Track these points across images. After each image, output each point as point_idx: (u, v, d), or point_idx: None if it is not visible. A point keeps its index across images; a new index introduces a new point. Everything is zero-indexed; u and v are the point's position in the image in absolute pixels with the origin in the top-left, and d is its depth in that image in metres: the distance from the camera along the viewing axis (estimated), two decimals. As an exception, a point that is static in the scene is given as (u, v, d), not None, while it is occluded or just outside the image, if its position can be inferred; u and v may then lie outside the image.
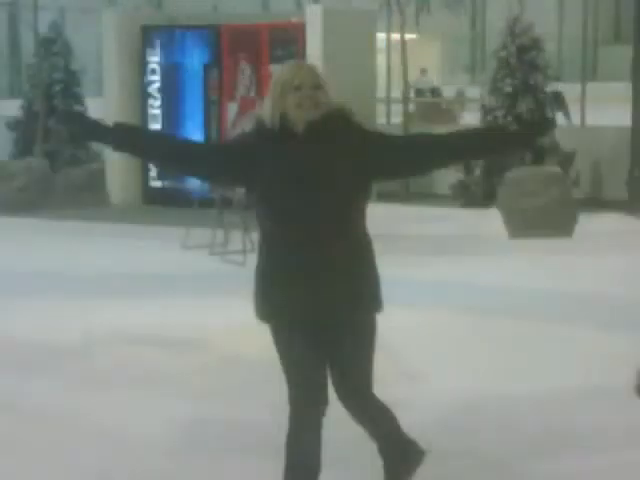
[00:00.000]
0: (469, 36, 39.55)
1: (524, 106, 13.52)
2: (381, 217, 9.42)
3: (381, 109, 16.03)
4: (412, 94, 23.10)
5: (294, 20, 14.04)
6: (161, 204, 14.18)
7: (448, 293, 8.73)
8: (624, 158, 13.37)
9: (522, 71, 13.68)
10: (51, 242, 11.75)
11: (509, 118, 13.50)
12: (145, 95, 14.65)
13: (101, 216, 13.65)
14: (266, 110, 4.16)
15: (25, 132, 15.65)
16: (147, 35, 14.58)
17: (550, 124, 10.36)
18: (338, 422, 4.46)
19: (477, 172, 13.58)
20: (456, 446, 5.32)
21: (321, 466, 4.34)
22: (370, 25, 14.21)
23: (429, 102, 24.77)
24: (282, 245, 4.16)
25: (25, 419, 5.92)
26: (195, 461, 5.27)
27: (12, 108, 16.51)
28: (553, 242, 10.88)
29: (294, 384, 4.24)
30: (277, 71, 4.21)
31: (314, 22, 13.31)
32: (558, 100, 13.78)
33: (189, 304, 8.41)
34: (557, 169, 12.30)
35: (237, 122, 13.95)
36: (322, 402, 4.27)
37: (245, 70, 14.01)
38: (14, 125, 15.93)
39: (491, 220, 11.73)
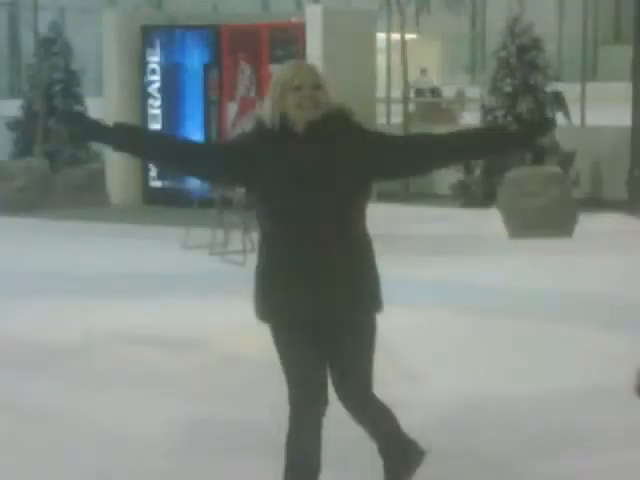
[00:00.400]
0: (469, 36, 39.55)
1: (524, 106, 13.52)
2: (381, 217, 9.42)
3: (381, 109, 16.03)
4: (412, 94, 23.10)
5: (294, 20, 14.04)
6: (161, 204, 14.18)
7: (448, 293, 8.73)
8: (624, 158, 13.37)
9: (522, 71, 13.68)
10: (51, 242, 11.75)
11: (509, 118, 13.50)
12: (145, 95, 14.65)
13: (101, 216, 13.65)
14: (266, 110, 4.16)
15: (25, 132, 15.65)
16: (147, 35, 14.59)
17: (550, 124, 10.37)
18: (338, 422, 4.46)
19: (477, 172, 13.58)
20: (456, 446, 5.32)
21: (321, 466, 4.34)
22: (370, 25, 14.21)
23: (429, 102, 24.77)
24: (282, 245, 4.16)
25: (25, 419, 5.92)
26: (195, 461, 5.27)
27: (12, 108, 16.51)
28: (553, 242, 10.87)
29: (294, 384, 4.25)
30: (277, 71, 4.21)
31: (314, 22, 13.31)
32: (558, 100, 13.78)
33: (189, 304, 8.41)
34: (557, 169, 12.31)
35: (237, 122, 13.95)
36: (322, 402, 4.27)
37: (245, 70, 14.02)
38: (14, 125, 15.93)
39: (491, 220, 11.73)
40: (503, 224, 11.47)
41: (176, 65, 14.46)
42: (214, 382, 6.42)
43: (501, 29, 14.11)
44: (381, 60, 15.70)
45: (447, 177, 13.26)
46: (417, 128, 14.73)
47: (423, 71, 27.69)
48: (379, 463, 4.58)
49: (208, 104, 14.24)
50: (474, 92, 20.99)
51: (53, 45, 15.72)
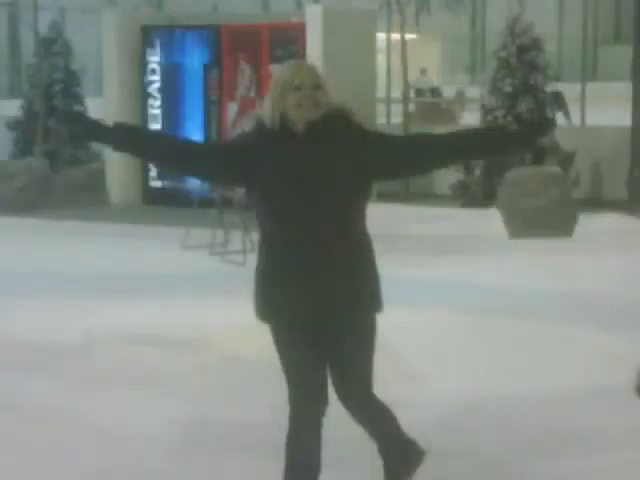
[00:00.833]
0: (469, 36, 39.54)
1: (524, 106, 13.53)
2: (381, 217, 9.42)
3: (381, 109, 16.03)
4: (412, 94, 23.10)
5: (294, 20, 14.04)
6: (161, 204, 14.18)
7: (448, 293, 8.73)
8: (624, 158, 13.37)
9: (522, 71, 13.68)
10: (51, 242, 11.75)
11: (509, 118, 13.50)
12: (145, 95, 14.65)
13: (101, 216, 13.65)
14: (266, 110, 4.16)
15: (25, 132, 15.65)
16: (147, 35, 14.59)
17: (550, 124, 10.37)
18: (338, 422, 4.46)
19: (477, 172, 13.58)
20: (456, 446, 5.32)
21: (321, 466, 4.34)
22: (370, 25, 14.21)
23: (429, 102, 24.77)
24: (282, 245, 4.16)
25: (25, 419, 5.92)
26: (195, 461, 5.27)
27: (12, 108, 16.51)
28: (553, 242, 10.87)
29: (294, 384, 4.25)
30: (277, 71, 4.21)
31: (314, 22, 13.31)
32: (558, 100, 13.78)
33: (189, 304, 8.41)
34: (557, 169, 12.30)
35: (237, 122, 13.95)
36: (322, 402, 4.27)
37: (245, 70, 14.02)
38: (14, 125, 15.93)
39: (491, 220, 11.73)
40: (503, 224, 11.47)
41: (176, 65, 14.46)
42: (214, 382, 6.42)
43: (501, 29, 14.11)
44: (381, 60, 15.70)
45: (447, 177, 13.26)
46: (417, 128, 14.73)
47: (423, 71, 27.69)
48: (379, 463, 4.58)
49: (208, 104, 14.24)
50: (474, 92, 20.99)
51: (53, 45, 15.72)
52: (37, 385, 6.46)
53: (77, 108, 15.33)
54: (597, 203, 13.31)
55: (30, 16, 17.23)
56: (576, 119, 14.50)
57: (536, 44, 13.82)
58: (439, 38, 37.34)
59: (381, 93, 16.03)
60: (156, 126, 14.37)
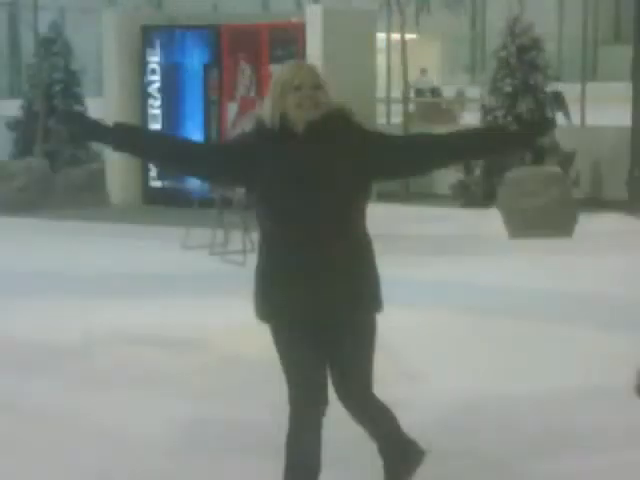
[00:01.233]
0: (469, 36, 39.54)
1: (524, 106, 13.52)
2: (381, 217, 9.42)
3: (381, 109, 16.03)
4: (412, 94, 23.10)
5: (294, 20, 14.04)
6: (161, 204, 14.18)
7: (448, 293, 8.73)
8: (624, 158, 13.37)
9: (522, 71, 13.68)
10: (51, 242, 11.75)
11: (509, 118, 13.50)
12: (145, 95, 14.65)
13: (101, 216, 13.65)
14: (266, 110, 4.16)
15: (25, 132, 15.65)
16: (147, 35, 14.59)
17: (550, 124, 10.40)
18: (338, 422, 4.46)
19: (477, 172, 13.58)
20: (456, 446, 5.32)
21: (321, 466, 4.34)
22: (370, 25, 14.21)
23: (429, 102, 24.77)
24: (282, 245, 4.16)
25: (25, 419, 5.92)
26: (195, 461, 5.27)
27: (12, 108, 16.51)
28: (553, 242, 10.87)
29: (294, 384, 4.25)
30: (277, 71, 4.21)
31: (314, 22, 13.31)
32: (558, 100, 13.78)
33: (189, 304, 8.41)
34: (557, 169, 12.30)
35: (237, 122, 13.95)
36: (322, 402, 4.27)
37: (245, 70, 14.02)
38: (14, 125, 15.93)
39: (491, 220, 11.73)
40: (503, 224, 11.47)
41: (176, 65, 14.46)
42: (214, 382, 6.42)
43: (501, 29, 14.11)
44: (381, 60, 15.69)
45: (447, 177, 13.26)
46: (417, 128, 14.73)
47: (423, 71, 27.69)
48: (379, 463, 4.58)
49: (208, 104, 14.24)
50: (474, 92, 20.99)
51: (53, 45, 15.72)
52: (37, 385, 6.46)
53: (77, 108, 15.33)
54: (597, 203, 13.31)
55: (30, 16, 17.23)
56: (576, 119, 14.50)
57: (536, 44, 13.82)
58: (439, 38, 37.33)
59: (381, 93, 16.02)
60: (156, 126, 14.37)
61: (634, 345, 6.45)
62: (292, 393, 4.26)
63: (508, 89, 13.65)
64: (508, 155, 12.22)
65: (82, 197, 14.52)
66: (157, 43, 14.52)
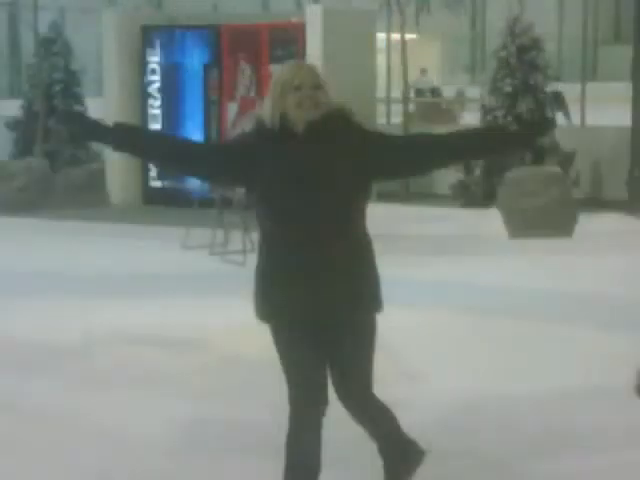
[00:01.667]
0: (469, 36, 39.54)
1: (524, 106, 13.53)
2: (381, 217, 9.42)
3: (381, 109, 16.03)
4: (412, 94, 23.09)
5: (294, 20, 14.05)
6: (161, 204, 14.18)
7: (448, 293, 8.73)
8: (624, 158, 13.37)
9: (522, 71, 13.68)
10: (51, 242, 11.76)
11: (509, 118, 13.50)
12: (145, 95, 14.65)
13: (101, 216, 13.65)
14: (266, 110, 4.16)
15: (25, 132, 15.65)
16: (147, 35, 14.59)
17: (550, 124, 10.40)
18: (338, 422, 4.46)
19: (477, 172, 13.58)
20: (456, 446, 5.32)
21: (321, 466, 4.34)
22: (370, 25, 14.21)
23: (429, 102, 24.77)
24: (282, 245, 4.16)
25: (25, 419, 5.92)
26: (195, 461, 5.27)
27: (12, 108, 16.51)
28: (553, 242, 10.88)
29: (294, 384, 4.25)
30: (277, 71, 4.21)
31: (314, 22, 13.31)
32: (558, 100, 13.78)
33: (189, 304, 8.41)
34: (557, 169, 12.31)
35: (237, 122, 13.95)
36: (322, 402, 4.27)
37: (245, 70, 14.02)
38: (14, 125, 15.93)
39: (491, 220, 11.73)
40: (503, 224, 11.47)
41: (176, 65, 14.46)
42: (214, 382, 6.42)
43: (501, 29, 14.11)
44: (381, 60, 15.69)
45: (447, 177, 13.26)
46: (417, 128, 14.73)
47: (423, 71, 27.68)
48: (379, 463, 4.58)
49: (208, 104, 14.24)
50: (474, 92, 20.99)
51: (53, 45, 15.72)
52: (37, 385, 6.46)
53: (77, 108, 15.33)
54: (597, 203, 13.31)
55: (30, 16, 17.22)
56: (576, 119, 14.50)
57: (536, 44, 13.82)
58: (439, 38, 37.33)
59: (381, 93, 16.02)
60: (156, 126, 14.37)
61: (634, 345, 6.45)
62: (292, 393, 4.26)
63: (508, 89, 13.65)
64: (508, 155, 12.22)
65: (82, 197, 14.52)
66: (157, 43, 14.53)
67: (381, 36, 15.85)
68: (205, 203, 11.36)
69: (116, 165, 14.46)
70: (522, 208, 11.35)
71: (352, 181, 4.13)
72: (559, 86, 14.03)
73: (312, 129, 4.12)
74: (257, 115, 4.25)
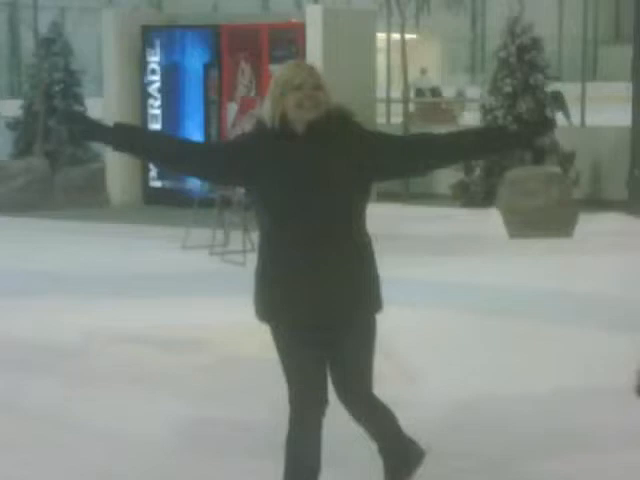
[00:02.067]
0: (469, 36, 39.52)
1: (524, 106, 13.53)
2: (381, 217, 9.42)
3: (381, 109, 16.03)
4: (412, 94, 23.08)
5: (294, 20, 14.05)
6: (161, 204, 14.19)
7: (448, 293, 8.72)
8: (624, 158, 13.38)
9: (522, 71, 13.68)
10: (51, 242, 11.75)
11: (509, 118, 13.50)
12: (145, 95, 14.65)
13: (101, 216, 13.66)
14: (266, 110, 4.16)
15: (25, 132, 15.65)
16: (147, 35, 14.59)
17: (550, 124, 10.37)
18: (338, 422, 4.46)
19: (477, 172, 13.58)
20: (456, 446, 5.32)
21: (321, 466, 4.34)
22: (370, 25, 14.22)
23: (429, 102, 24.77)
24: (282, 245, 4.16)
25: (25, 419, 5.91)
26: (195, 461, 5.27)
27: (12, 108, 16.51)
28: (553, 242, 10.87)
29: (294, 384, 4.25)
30: (277, 71, 4.21)
31: (314, 22, 13.31)
32: (558, 100, 13.78)
33: (189, 304, 8.41)
34: (557, 169, 12.31)
35: (237, 122, 13.96)
36: (322, 402, 4.27)
37: (245, 70, 14.02)
38: (14, 125, 15.93)
39: (491, 220, 11.74)
40: (503, 224, 11.47)
41: (176, 65, 14.46)
42: (214, 382, 6.42)
43: (501, 29, 14.11)
44: (381, 60, 15.69)
45: (447, 177, 13.26)
46: (417, 128, 14.73)
47: (423, 71, 27.68)
48: (379, 463, 4.58)
49: (208, 104, 14.24)
50: (474, 92, 20.98)
51: (53, 45, 15.71)
52: (37, 385, 6.46)
53: (77, 108, 15.32)
54: (597, 203, 13.32)
55: (30, 16, 17.21)
56: (576, 119, 14.50)
57: (536, 44, 13.81)
58: (439, 38, 37.31)
59: (381, 93, 16.02)
60: (156, 126, 14.38)
61: (634, 345, 6.44)
62: (292, 393, 4.26)
63: (508, 89, 13.65)
64: (507, 155, 12.23)
65: (82, 197, 14.53)
66: (157, 43, 14.53)
67: (381, 36, 15.85)
68: (205, 203, 11.36)
69: (116, 165, 14.46)
70: (522, 208, 11.35)
71: (352, 181, 4.13)
72: (559, 86, 14.03)
73: (312, 129, 4.12)
74: (257, 115, 4.25)
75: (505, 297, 8.54)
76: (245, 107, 13.89)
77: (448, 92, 26.78)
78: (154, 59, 14.53)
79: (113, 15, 15.11)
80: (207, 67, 14.23)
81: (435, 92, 27.41)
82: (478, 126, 12.72)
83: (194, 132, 13.94)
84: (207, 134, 14.17)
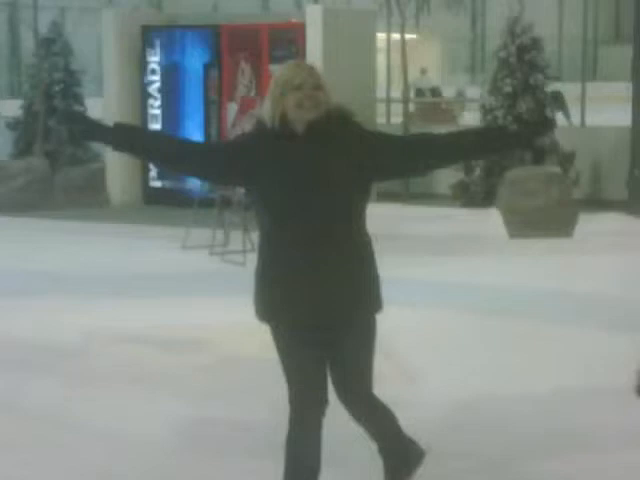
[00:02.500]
0: (469, 36, 39.52)
1: (524, 106, 13.53)
2: (381, 217, 9.42)
3: (381, 109, 16.03)
4: (412, 94, 23.08)
5: (294, 20, 14.05)
6: (161, 204, 14.19)
7: (448, 293, 8.72)
8: (624, 158, 13.38)
9: (522, 71, 13.68)
10: (51, 242, 11.75)
11: (509, 118, 13.50)
12: (145, 95, 14.65)
13: (101, 216, 13.66)
14: (266, 110, 4.16)
15: (25, 132, 15.65)
16: (147, 35, 14.59)
17: (550, 124, 10.37)
18: (338, 422, 4.46)
19: (477, 172, 13.58)
20: (456, 446, 5.32)
21: (321, 466, 4.34)
22: (370, 25, 14.22)
23: (429, 102, 24.77)
24: (282, 245, 4.16)
25: (25, 419, 5.91)
26: (195, 461, 5.27)
27: (12, 108, 16.51)
28: (553, 242, 10.87)
29: (294, 384, 4.25)
30: (277, 71, 4.21)
31: (314, 22, 13.31)
32: (558, 100, 13.78)
33: (189, 304, 8.41)
34: (557, 169, 12.31)
35: (237, 122, 13.96)
36: (322, 402, 4.27)
37: (245, 70, 14.02)
38: (14, 125, 15.93)
39: (491, 220, 11.74)
40: (503, 224, 11.47)
41: (176, 65, 14.46)
42: (214, 382, 6.42)
43: (501, 29, 14.11)
44: (381, 60, 15.69)
45: (447, 177, 13.26)
46: (417, 128, 14.73)
47: (423, 71, 27.68)
48: (379, 463, 4.58)
49: (208, 104, 14.24)
50: (474, 92, 20.98)
51: (53, 45, 15.71)
52: (37, 385, 6.46)
53: (77, 108, 15.33)
54: (597, 203, 13.32)
55: (30, 16, 17.21)
56: (576, 119, 14.50)
57: (536, 44, 13.82)
58: (439, 38, 37.30)
59: (381, 93, 16.02)
60: (156, 126, 14.38)
61: (634, 345, 6.44)
62: (292, 393, 4.26)
63: (508, 89, 13.65)
64: (507, 155, 12.23)
65: (82, 197, 14.53)
66: (157, 43, 14.53)
67: (381, 36, 15.84)
68: (205, 203, 11.36)
69: (116, 165, 14.46)
70: (522, 208, 11.35)
71: (352, 181, 4.13)
72: (559, 86, 14.03)
73: (312, 129, 4.12)
74: (257, 115, 4.25)
75: (505, 297, 8.55)
76: (245, 107, 13.89)
77: (448, 92, 26.78)
78: (154, 59, 14.53)
79: (113, 15, 15.11)
80: (207, 67, 14.23)
81: (435, 92, 27.41)
82: (478, 126, 12.73)
83: (194, 132, 13.94)
84: (207, 134, 14.17)
